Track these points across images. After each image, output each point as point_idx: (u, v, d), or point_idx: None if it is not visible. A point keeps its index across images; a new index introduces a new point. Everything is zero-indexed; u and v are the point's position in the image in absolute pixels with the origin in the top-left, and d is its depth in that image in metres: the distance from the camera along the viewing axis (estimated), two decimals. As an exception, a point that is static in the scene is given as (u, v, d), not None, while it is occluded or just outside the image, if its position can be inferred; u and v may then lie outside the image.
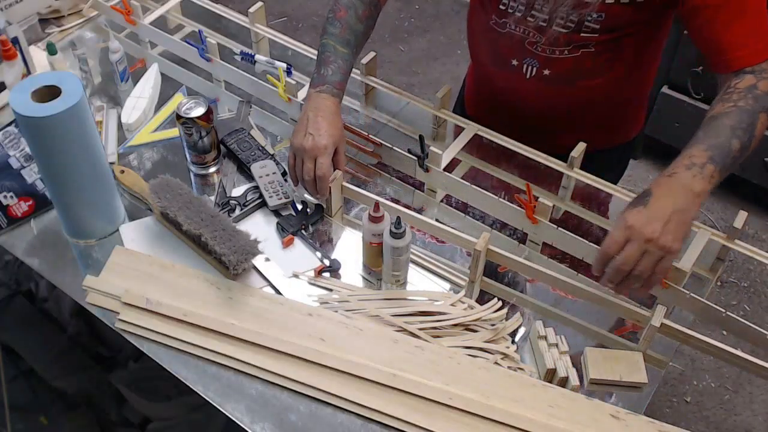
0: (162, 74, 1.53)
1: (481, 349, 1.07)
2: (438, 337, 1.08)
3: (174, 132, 1.41)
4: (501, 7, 1.21)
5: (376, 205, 1.10)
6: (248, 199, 1.26)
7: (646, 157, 2.59)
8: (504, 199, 1.21)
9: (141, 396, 1.71)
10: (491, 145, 1.33)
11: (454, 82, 1.56)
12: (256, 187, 1.27)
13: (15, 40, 1.42)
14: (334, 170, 1.20)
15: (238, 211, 1.25)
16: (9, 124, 1.30)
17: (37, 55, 1.53)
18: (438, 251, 1.22)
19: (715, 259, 1.18)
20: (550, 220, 1.17)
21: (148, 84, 1.48)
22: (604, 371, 1.04)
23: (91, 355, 1.84)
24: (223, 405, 1.02)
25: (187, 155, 1.32)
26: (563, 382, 1.03)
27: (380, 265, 1.16)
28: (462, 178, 1.28)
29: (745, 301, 2.25)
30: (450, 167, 1.29)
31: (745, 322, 1.06)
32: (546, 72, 1.23)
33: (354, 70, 1.42)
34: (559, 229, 1.16)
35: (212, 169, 1.34)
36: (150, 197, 1.20)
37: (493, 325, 1.09)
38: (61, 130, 1.05)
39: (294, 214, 1.25)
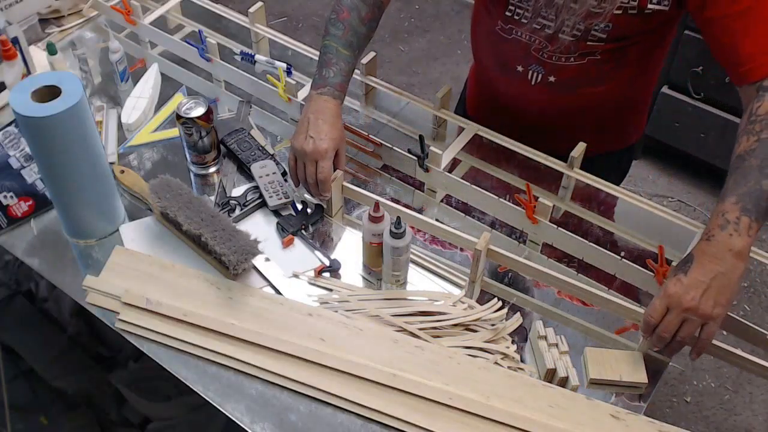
0: (162, 74, 1.53)
1: (481, 349, 1.07)
2: (438, 337, 1.08)
3: (174, 132, 1.41)
4: (507, 13, 1.20)
5: (376, 205, 1.10)
6: (248, 199, 1.26)
7: (646, 157, 2.59)
8: (504, 199, 1.21)
9: (141, 396, 1.71)
10: (491, 145, 1.33)
11: (454, 82, 1.56)
12: (256, 187, 1.27)
13: (15, 40, 1.42)
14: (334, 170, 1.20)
15: (238, 211, 1.25)
16: (9, 124, 1.30)
17: (37, 55, 1.53)
18: (438, 250, 1.22)
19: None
20: (550, 220, 1.17)
21: (148, 84, 1.48)
22: (604, 371, 1.04)
23: (91, 355, 1.84)
24: (223, 405, 1.02)
25: (187, 155, 1.32)
26: (563, 382, 1.03)
27: (380, 265, 1.16)
28: (462, 178, 1.28)
29: (745, 301, 2.25)
30: (450, 167, 1.30)
31: (745, 322, 1.06)
32: (551, 79, 1.23)
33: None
34: (559, 229, 1.16)
35: (212, 169, 1.34)
36: (150, 197, 1.20)
37: (493, 325, 1.09)
38: (61, 130, 1.05)
39: (294, 214, 1.25)
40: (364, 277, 1.18)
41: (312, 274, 1.17)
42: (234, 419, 1.01)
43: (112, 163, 1.33)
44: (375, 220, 1.11)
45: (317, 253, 1.20)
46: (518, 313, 1.12)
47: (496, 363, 1.05)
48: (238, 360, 1.05)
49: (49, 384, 1.79)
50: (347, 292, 1.14)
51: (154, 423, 1.72)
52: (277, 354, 1.05)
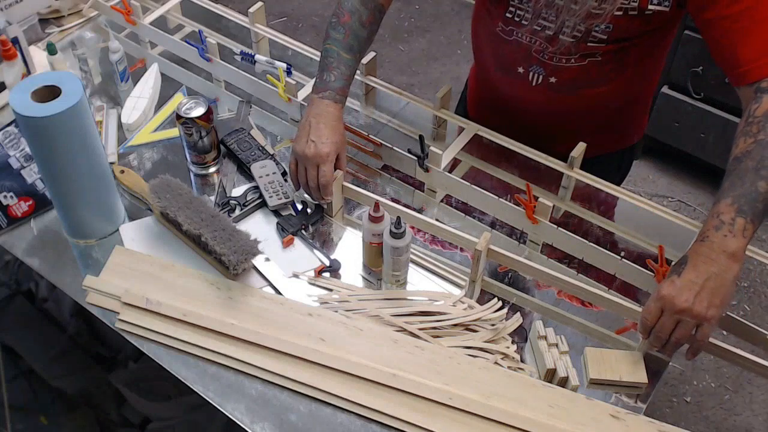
0: (162, 74, 1.53)
1: (481, 349, 1.07)
2: (438, 337, 1.08)
3: (174, 132, 1.41)
4: (508, 14, 1.20)
5: (376, 205, 1.10)
6: (248, 199, 1.26)
7: (646, 157, 2.59)
8: (504, 199, 1.21)
9: (141, 396, 1.71)
10: (491, 145, 1.33)
11: (454, 82, 1.56)
12: (256, 187, 1.27)
13: (15, 40, 1.42)
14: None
15: (238, 211, 1.25)
16: (9, 124, 1.30)
17: (37, 55, 1.53)
18: (438, 250, 1.22)
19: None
20: (550, 220, 1.17)
21: (148, 84, 1.48)
22: (604, 371, 1.04)
23: (91, 355, 1.84)
24: (223, 405, 1.02)
25: (187, 155, 1.32)
26: (563, 382, 1.03)
27: (380, 265, 1.16)
28: (462, 178, 1.28)
29: (745, 301, 2.25)
30: (450, 167, 1.30)
31: (745, 322, 1.06)
32: (552, 80, 1.22)
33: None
34: (559, 229, 1.16)
35: (212, 169, 1.34)
36: (150, 197, 1.20)
37: (493, 325, 1.09)
38: (61, 130, 1.05)
39: (294, 214, 1.25)
40: (364, 277, 1.18)
41: (312, 274, 1.17)
42: (234, 419, 1.01)
43: (112, 163, 1.33)
44: (375, 220, 1.11)
45: (317, 253, 1.20)
46: (518, 313, 1.12)
47: (496, 363, 1.05)
48: (238, 360, 1.05)
49: (49, 384, 1.79)
50: (347, 292, 1.14)
51: (154, 423, 1.72)
52: (277, 354, 1.05)
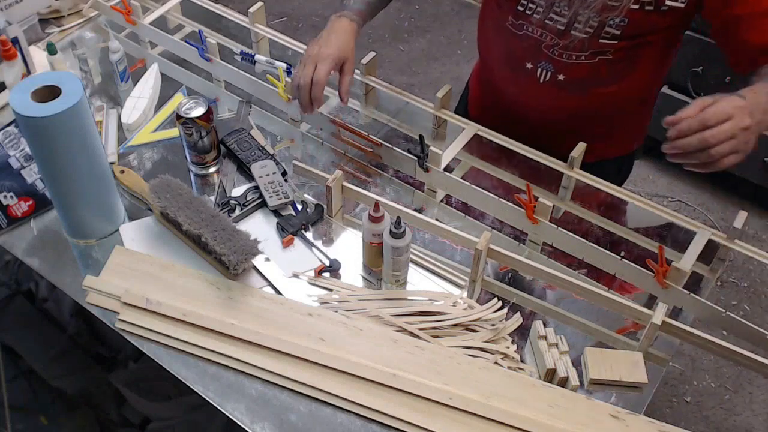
0: (162, 74, 1.53)
1: (481, 349, 1.07)
2: (438, 337, 1.08)
3: (174, 132, 1.41)
4: (519, 8, 1.19)
5: (376, 205, 1.10)
6: (248, 199, 1.26)
7: (646, 157, 2.59)
8: (504, 199, 1.21)
9: (141, 396, 1.71)
10: (491, 145, 1.33)
11: (454, 82, 1.56)
12: (256, 187, 1.27)
13: (15, 40, 1.42)
14: (340, 93, 1.25)
15: (238, 211, 1.25)
16: (9, 124, 1.30)
17: (37, 55, 1.53)
18: (439, 250, 1.22)
19: (715, 259, 1.18)
20: (550, 220, 1.17)
21: (148, 84, 1.48)
22: (604, 371, 1.04)
23: (91, 355, 1.84)
24: (223, 405, 1.02)
25: (187, 155, 1.32)
26: (563, 382, 1.03)
27: (380, 265, 1.16)
28: (462, 178, 1.28)
29: (745, 301, 2.25)
30: (450, 167, 1.30)
31: (745, 322, 1.06)
32: (561, 77, 1.22)
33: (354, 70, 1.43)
34: (559, 229, 1.16)
35: (212, 169, 1.34)
36: (150, 197, 1.20)
37: (493, 325, 1.09)
38: (61, 130, 1.05)
39: (294, 214, 1.25)
40: (364, 277, 1.18)
41: (312, 274, 1.17)
42: (234, 419, 1.01)
43: (112, 163, 1.33)
44: (375, 220, 1.11)
45: (317, 253, 1.20)
46: (518, 313, 1.12)
47: (496, 363, 1.05)
48: (238, 360, 1.05)
49: (49, 384, 1.79)
50: (347, 292, 1.14)
51: (154, 423, 1.72)
52: (277, 354, 1.05)
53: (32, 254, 1.22)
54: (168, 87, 1.51)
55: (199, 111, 1.25)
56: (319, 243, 1.22)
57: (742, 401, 2.03)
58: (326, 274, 1.17)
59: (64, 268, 1.20)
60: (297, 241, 1.21)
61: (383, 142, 1.30)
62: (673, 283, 1.09)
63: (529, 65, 1.24)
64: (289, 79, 1.37)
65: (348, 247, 1.22)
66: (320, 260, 1.19)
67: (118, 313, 1.11)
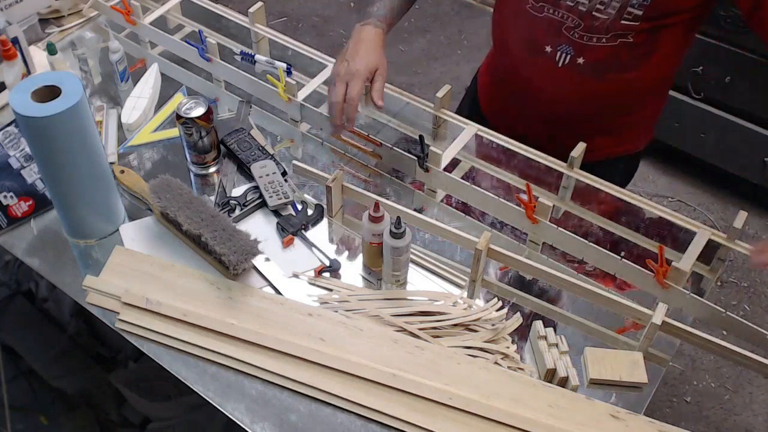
0: (162, 74, 1.53)
1: (481, 349, 1.07)
2: (438, 337, 1.08)
3: (174, 132, 1.41)
4: None
5: (376, 205, 1.10)
6: (248, 199, 1.26)
7: (647, 157, 2.58)
8: (504, 199, 1.21)
9: (141, 396, 1.71)
10: (491, 145, 1.33)
11: (454, 82, 1.56)
12: (256, 187, 1.27)
13: (15, 40, 1.42)
14: (373, 99, 1.24)
15: (238, 211, 1.25)
16: (9, 124, 1.30)
17: (37, 55, 1.53)
18: (439, 250, 1.22)
19: (715, 259, 1.18)
20: (550, 220, 1.17)
21: (148, 84, 1.48)
22: (604, 371, 1.04)
23: (91, 355, 1.84)
24: (223, 405, 1.02)
25: (187, 155, 1.32)
26: (563, 382, 1.03)
27: (380, 265, 1.16)
28: (462, 178, 1.28)
29: (745, 301, 2.25)
30: (450, 167, 1.30)
31: (745, 322, 1.06)
32: (580, 60, 1.21)
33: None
34: (559, 229, 1.16)
35: (212, 169, 1.34)
36: (150, 197, 1.20)
37: (493, 325, 1.09)
38: (61, 130, 1.05)
39: (294, 214, 1.25)
40: (364, 277, 1.18)
41: (312, 274, 1.17)
42: (234, 419, 1.01)
43: (112, 163, 1.33)
44: (375, 220, 1.11)
45: (317, 253, 1.20)
46: (518, 313, 1.12)
47: (496, 363, 1.05)
48: (238, 360, 1.05)
49: (49, 384, 1.79)
50: (347, 292, 1.14)
51: (154, 423, 1.72)
52: (277, 354, 1.05)
53: (32, 254, 1.22)
54: (168, 87, 1.51)
55: (199, 111, 1.25)
56: (318, 243, 1.22)
57: (742, 401, 2.03)
58: (326, 274, 1.17)
59: (64, 268, 1.20)
60: (297, 241, 1.21)
61: (383, 142, 1.30)
62: (673, 283, 1.09)
63: (548, 48, 1.24)
64: (289, 79, 1.37)
65: (348, 247, 1.22)
66: (320, 260, 1.19)
67: (118, 313, 1.11)
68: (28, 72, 1.47)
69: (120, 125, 1.42)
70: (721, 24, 2.08)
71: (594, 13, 1.15)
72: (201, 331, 1.08)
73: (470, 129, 1.34)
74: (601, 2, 1.14)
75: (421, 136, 1.25)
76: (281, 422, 1.01)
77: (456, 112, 1.42)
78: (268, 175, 1.27)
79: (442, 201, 1.31)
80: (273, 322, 1.09)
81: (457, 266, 1.19)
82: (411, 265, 1.18)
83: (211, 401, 1.03)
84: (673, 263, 1.08)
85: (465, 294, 1.15)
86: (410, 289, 1.16)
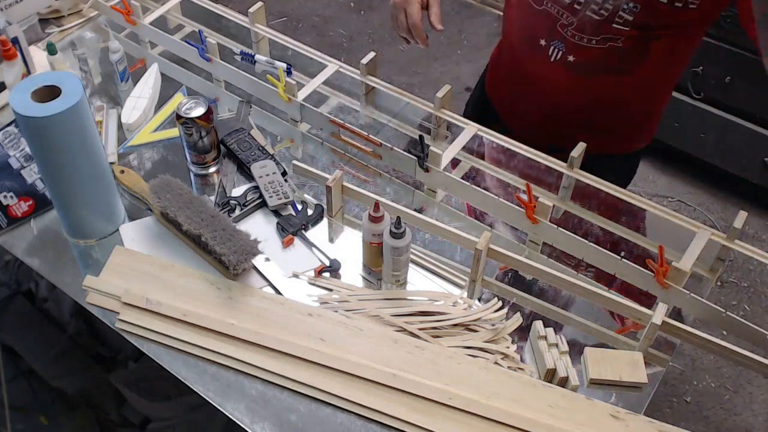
0: (162, 74, 1.53)
1: (481, 349, 1.07)
2: (438, 337, 1.08)
3: (174, 132, 1.41)
4: None
5: (376, 205, 1.10)
6: (248, 199, 1.26)
7: (646, 157, 2.58)
8: (503, 199, 1.21)
9: (141, 396, 1.71)
10: (491, 145, 1.33)
11: (454, 82, 1.56)
12: (256, 187, 1.27)
13: (15, 40, 1.42)
14: (432, 23, 1.29)
15: (238, 211, 1.25)
16: (9, 124, 1.30)
17: (37, 55, 1.53)
18: (439, 250, 1.22)
19: (715, 259, 1.18)
20: (550, 220, 1.17)
21: (148, 84, 1.48)
22: (604, 371, 1.04)
23: (91, 355, 1.84)
24: (223, 405, 1.02)
25: (187, 155, 1.32)
26: (563, 382, 1.03)
27: (380, 265, 1.16)
28: (462, 178, 1.28)
29: (745, 301, 2.25)
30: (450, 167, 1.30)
31: (745, 322, 1.06)
32: (570, 58, 1.23)
33: (354, 70, 1.43)
34: (559, 228, 1.16)
35: (212, 169, 1.34)
36: (150, 197, 1.20)
37: (493, 325, 1.09)
38: (61, 130, 1.05)
39: (294, 214, 1.25)
40: (364, 277, 1.18)
41: (312, 274, 1.17)
42: (234, 419, 1.01)
43: (112, 163, 1.33)
44: (375, 220, 1.11)
45: (317, 253, 1.20)
46: (518, 313, 1.12)
47: (496, 363, 1.05)
48: (238, 360, 1.05)
49: (49, 384, 1.79)
50: (347, 292, 1.14)
51: (154, 423, 1.72)
52: (277, 354, 1.05)
53: (32, 254, 1.22)
54: (168, 87, 1.51)
55: (199, 111, 1.25)
56: (318, 243, 1.22)
57: (742, 401, 2.03)
58: (326, 274, 1.17)
59: (64, 268, 1.20)
60: (297, 241, 1.21)
61: (383, 142, 1.30)
62: (673, 283, 1.09)
63: (542, 41, 1.25)
64: (289, 79, 1.37)
65: (348, 247, 1.22)
66: (320, 260, 1.19)
67: (118, 313, 1.11)
68: (28, 72, 1.47)
69: (120, 125, 1.42)
70: (721, 24, 2.08)
71: (587, 12, 1.16)
72: (201, 331, 1.08)
73: (470, 129, 1.34)
74: (596, 2, 1.15)
75: (421, 136, 1.25)
76: (281, 422, 1.01)
77: (469, 99, 1.42)
78: (268, 175, 1.27)
79: (441, 201, 1.31)
80: (273, 322, 1.09)
81: (457, 266, 1.19)
82: (411, 265, 1.18)
83: (211, 401, 1.03)
84: (673, 263, 1.08)
85: (465, 294, 1.15)
86: (410, 289, 1.16)
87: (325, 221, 1.26)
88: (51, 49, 1.43)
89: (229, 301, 1.11)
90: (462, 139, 1.32)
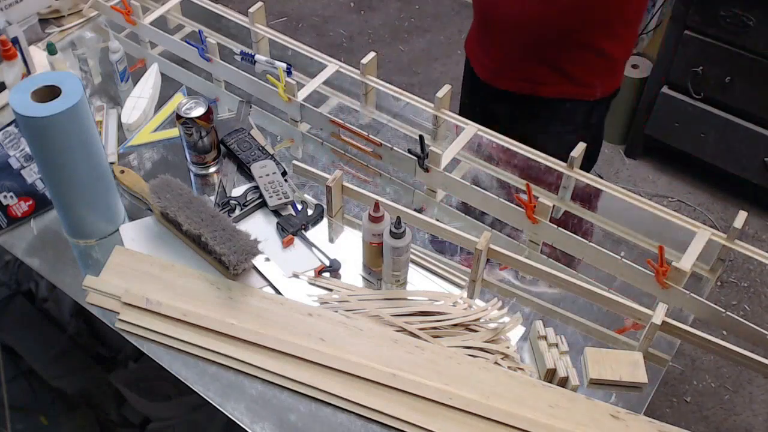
0: (162, 74, 1.53)
1: (481, 349, 1.07)
2: (438, 337, 1.08)
3: (174, 132, 1.41)
4: None
5: (376, 205, 1.10)
6: (248, 199, 1.26)
7: (646, 157, 2.59)
8: (503, 198, 1.21)
9: (141, 396, 1.71)
10: (491, 145, 1.33)
11: (454, 82, 1.56)
12: (256, 187, 1.27)
13: (15, 40, 1.42)
14: None
15: (238, 211, 1.25)
16: (9, 124, 1.30)
17: (37, 55, 1.53)
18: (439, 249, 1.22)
19: (715, 259, 1.18)
20: (550, 220, 1.17)
21: (148, 84, 1.48)
22: (604, 371, 1.04)
23: (91, 355, 1.84)
24: (223, 405, 1.02)
25: (187, 155, 1.32)
26: (563, 382, 1.03)
27: (380, 265, 1.16)
28: (462, 177, 1.28)
29: (745, 301, 2.24)
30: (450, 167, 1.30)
31: (745, 322, 1.06)
32: None
33: (354, 70, 1.43)
34: (559, 229, 1.16)
35: (212, 169, 1.34)
36: (150, 197, 1.20)
37: (493, 325, 1.09)
38: (61, 130, 1.05)
39: (294, 214, 1.25)
40: (364, 277, 1.18)
41: (312, 274, 1.17)
42: (234, 419, 1.01)
43: (112, 163, 1.33)
44: (375, 220, 1.11)
45: (317, 253, 1.20)
46: (518, 313, 1.12)
47: (496, 363, 1.05)
48: (238, 360, 1.05)
49: (49, 384, 1.79)
50: (347, 292, 1.14)
51: (154, 423, 1.72)
52: (277, 354, 1.05)
53: (32, 254, 1.22)
54: (168, 87, 1.51)
55: (199, 111, 1.25)
56: (318, 243, 1.22)
57: (742, 401, 2.03)
58: (326, 274, 1.17)
59: (64, 268, 1.20)
60: (297, 241, 1.21)
61: (383, 142, 1.30)
62: (673, 283, 1.09)
63: None
64: (289, 79, 1.37)
65: (348, 247, 1.22)
66: (320, 260, 1.19)
67: (118, 313, 1.11)
68: (28, 72, 1.47)
69: (120, 125, 1.42)
70: (721, 24, 2.08)
71: None
72: (201, 331, 1.08)
73: (470, 129, 1.34)
74: None
75: (421, 136, 1.25)
76: (281, 422, 1.01)
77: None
78: (268, 175, 1.27)
79: (441, 201, 1.31)
80: (273, 322, 1.09)
81: (457, 266, 1.19)
82: (411, 265, 1.18)
83: (211, 401, 1.03)
84: (673, 263, 1.08)
85: (465, 294, 1.15)
86: (410, 289, 1.16)
87: (325, 221, 1.26)
88: (51, 49, 1.43)
89: (229, 301, 1.11)
90: (462, 139, 1.32)
